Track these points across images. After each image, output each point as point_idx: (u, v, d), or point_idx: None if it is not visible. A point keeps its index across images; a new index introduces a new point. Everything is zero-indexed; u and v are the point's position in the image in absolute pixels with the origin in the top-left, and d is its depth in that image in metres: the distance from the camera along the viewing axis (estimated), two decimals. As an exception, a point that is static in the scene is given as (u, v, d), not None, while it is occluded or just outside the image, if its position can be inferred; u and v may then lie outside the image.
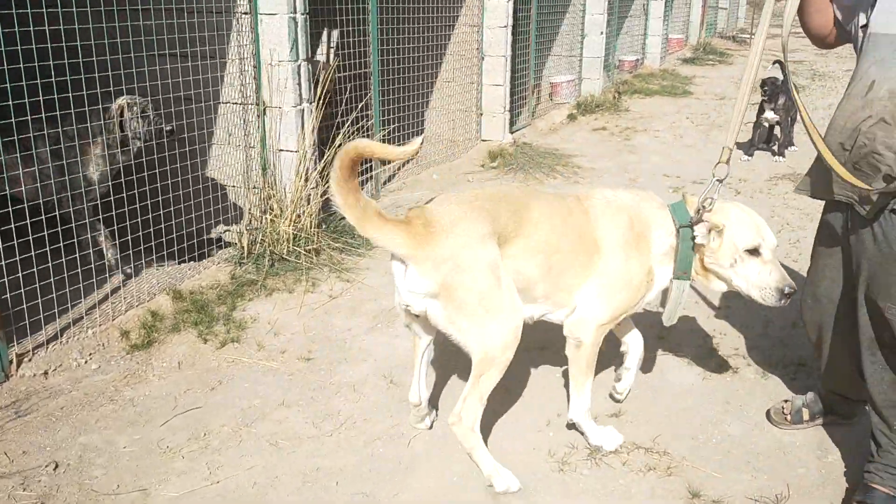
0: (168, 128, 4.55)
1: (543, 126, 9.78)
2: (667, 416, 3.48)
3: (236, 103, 5.08)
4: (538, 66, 10.39)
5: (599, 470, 3.10)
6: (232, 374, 3.79)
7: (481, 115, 8.37)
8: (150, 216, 4.55)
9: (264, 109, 5.05)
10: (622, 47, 15.09)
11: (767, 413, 3.45)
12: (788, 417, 3.36)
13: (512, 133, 8.85)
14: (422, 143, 2.84)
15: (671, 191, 7.08)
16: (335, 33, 6.11)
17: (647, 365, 3.91)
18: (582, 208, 3.03)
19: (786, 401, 3.43)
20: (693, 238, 2.95)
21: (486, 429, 3.33)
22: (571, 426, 3.29)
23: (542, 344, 3.92)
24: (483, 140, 8.44)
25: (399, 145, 2.71)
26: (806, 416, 3.35)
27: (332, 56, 6.15)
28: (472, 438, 2.88)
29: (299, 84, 5.04)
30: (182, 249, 4.75)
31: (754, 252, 2.91)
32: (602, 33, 11.41)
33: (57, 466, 3.05)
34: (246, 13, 4.89)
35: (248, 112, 5.08)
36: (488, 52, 8.15)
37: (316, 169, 5.25)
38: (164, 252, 4.71)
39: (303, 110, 5.10)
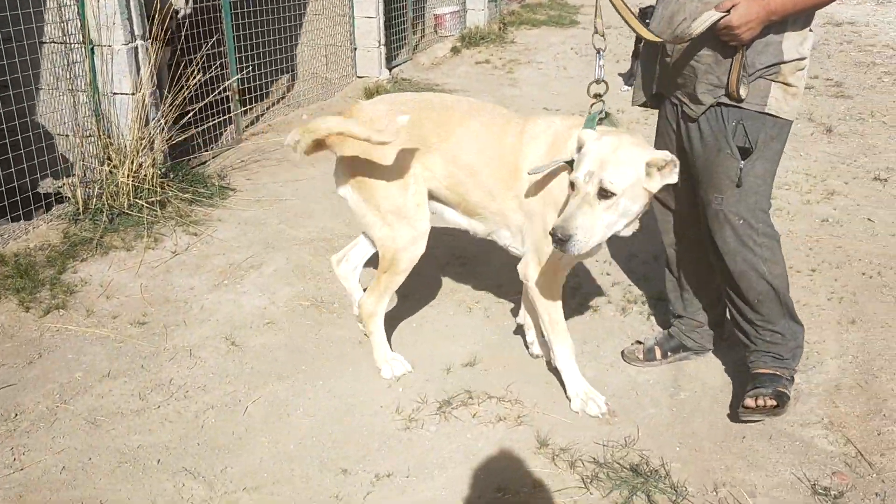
0: None
1: (426, 61, 9.42)
2: (521, 362, 3.35)
3: (59, 42, 4.55)
4: (418, -2, 9.98)
5: (448, 424, 2.94)
6: (55, 345, 3.42)
7: (355, 49, 7.95)
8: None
9: (92, 48, 4.54)
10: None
11: (622, 353, 3.36)
12: (641, 356, 3.29)
13: (391, 69, 8.48)
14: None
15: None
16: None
17: (501, 307, 3.77)
18: (517, 131, 2.96)
19: (638, 342, 3.35)
20: None
21: (336, 386, 3.13)
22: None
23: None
24: (359, 77, 8.04)
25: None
26: (658, 355, 3.29)
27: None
28: (372, 324, 3.21)
29: (129, 18, 4.55)
30: (4, 207, 4.27)
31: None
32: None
33: None
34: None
35: (74, 52, 4.56)
36: (359, -18, 7.70)
37: (160, 113, 4.80)
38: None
39: (136, 48, 4.63)
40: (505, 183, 2.95)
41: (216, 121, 5.63)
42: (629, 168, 2.49)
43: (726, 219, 2.82)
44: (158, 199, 4.61)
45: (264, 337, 3.51)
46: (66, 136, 4.74)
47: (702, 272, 3.21)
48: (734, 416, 2.97)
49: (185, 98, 4.93)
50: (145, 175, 4.61)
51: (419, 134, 2.98)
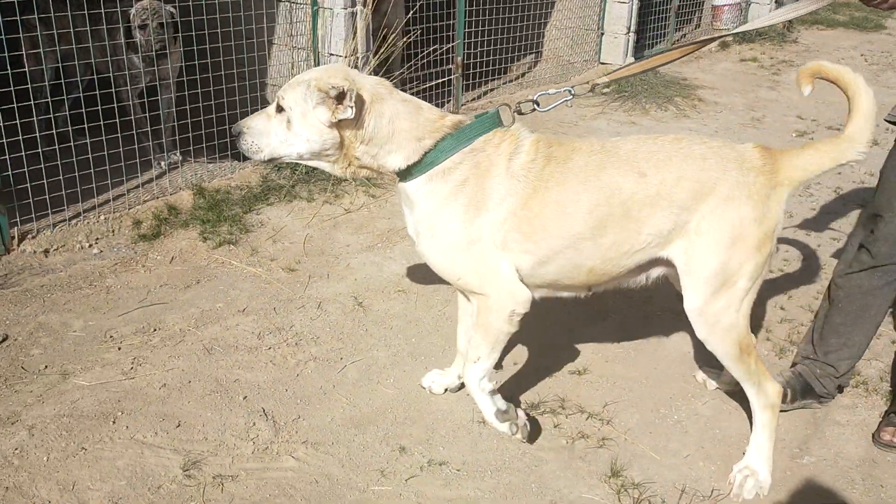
0: (156, 24, 4.46)
1: (685, 53, 8.85)
2: (637, 381, 3.05)
3: (291, 1, 4.93)
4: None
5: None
6: (214, 275, 3.76)
7: (602, 34, 7.69)
8: (194, 107, 4.55)
9: (316, 10, 4.86)
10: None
11: None
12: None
13: (640, 58, 8.08)
14: None
15: (794, 135, 6.19)
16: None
17: (637, 316, 3.44)
18: None
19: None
20: None
21: (434, 364, 3.09)
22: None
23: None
24: (602, 63, 7.78)
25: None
26: (788, 398, 2.83)
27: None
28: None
29: (349, -14, 4.79)
30: (220, 146, 4.74)
31: None
32: (778, -49, 10.06)
33: (5, 339, 3.16)
34: None
35: (296, 12, 4.91)
36: (614, -35, 7.41)
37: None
38: (203, 146, 4.71)
39: (353, 13, 4.86)
40: None
41: (433, 91, 5.76)
42: (301, 86, 2.31)
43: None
44: (352, 158, 4.83)
45: (390, 303, 3.55)
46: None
47: (869, 323, 2.74)
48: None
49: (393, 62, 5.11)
50: (344, 134, 4.85)
51: None
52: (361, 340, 3.28)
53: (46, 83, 4.45)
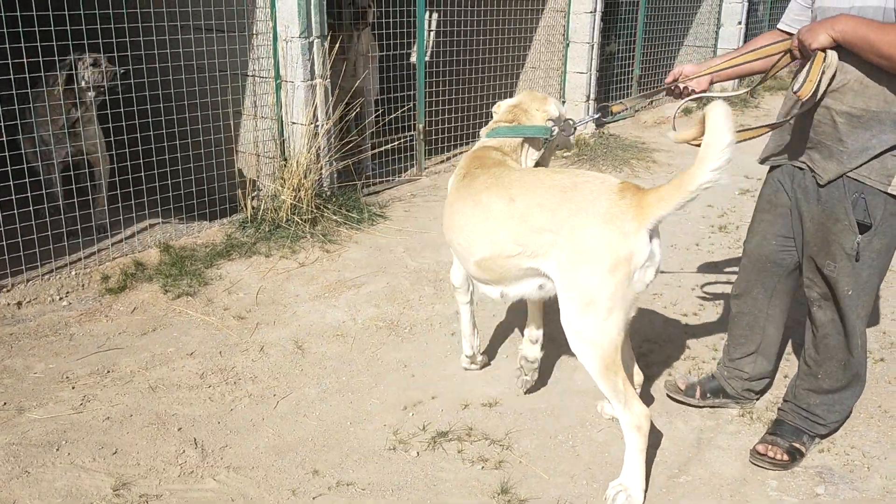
0: (120, 70, 4.71)
1: (649, 119, 9.31)
2: (542, 412, 3.33)
3: (252, 76, 5.38)
4: (658, 57, 9.89)
5: (431, 454, 3.03)
6: (170, 323, 4.09)
7: (564, 102, 8.15)
8: (155, 172, 4.95)
9: (279, 84, 5.31)
10: (788, 40, 13.93)
11: (665, 383, 3.51)
12: (683, 387, 3.40)
13: (602, 124, 8.55)
14: None
15: (738, 192, 6.55)
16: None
17: (554, 355, 3.73)
18: None
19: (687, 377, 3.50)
20: None
21: (360, 399, 3.37)
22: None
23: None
24: (565, 129, 8.21)
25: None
26: (697, 394, 3.36)
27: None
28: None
29: (310, 60, 5.24)
30: (189, 206, 5.13)
31: None
32: (740, 23, 10.63)
33: (-29, 381, 3.48)
34: (266, -9, 5.16)
35: (262, 85, 5.36)
36: (573, 39, 7.92)
37: (324, 143, 5.44)
38: (171, 207, 5.10)
39: (313, 85, 5.31)
40: None
41: (398, 155, 6.19)
42: None
43: (836, 285, 2.81)
44: (311, 217, 5.22)
45: (328, 346, 3.86)
46: (248, 154, 5.56)
47: (758, 335, 3.25)
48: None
49: (342, 130, 5.55)
50: (304, 196, 5.25)
51: None
52: (296, 379, 3.58)
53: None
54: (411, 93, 6.56)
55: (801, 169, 2.88)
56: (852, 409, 3.17)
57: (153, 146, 4.88)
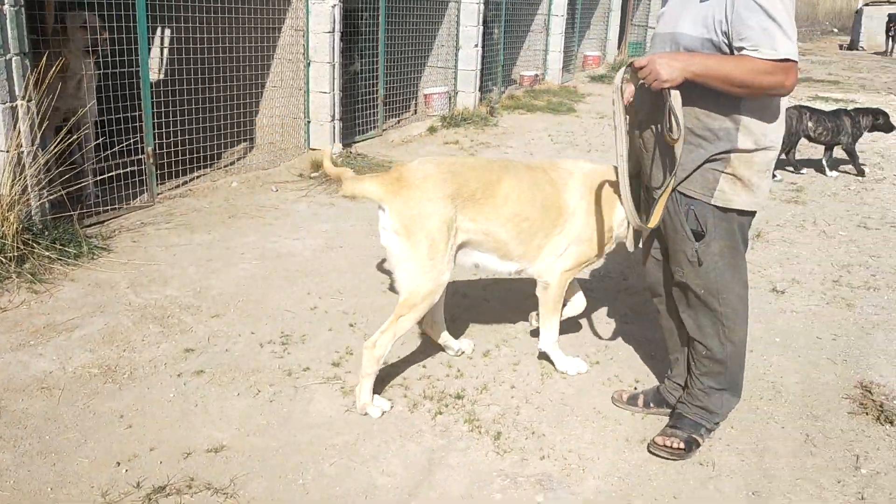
0: None
1: (396, 138, 9.50)
2: (273, 451, 3.17)
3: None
4: (402, 77, 10.13)
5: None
6: None
7: (308, 122, 8.06)
8: None
9: (-29, 104, 4.68)
10: (524, 62, 14.94)
11: (612, 395, 3.67)
12: (625, 399, 3.58)
13: (350, 144, 8.57)
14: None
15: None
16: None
17: (288, 386, 3.60)
18: (549, 178, 3.59)
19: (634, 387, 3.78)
20: None
21: (65, 460, 3.00)
22: (542, 355, 3.90)
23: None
24: (312, 149, 8.13)
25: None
26: (640, 402, 3.54)
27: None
28: (373, 367, 3.40)
29: (9, 80, 4.68)
30: None
31: None
32: (476, 46, 11.18)
33: None
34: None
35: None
36: (314, 58, 7.85)
37: (32, 171, 4.89)
38: None
39: (14, 107, 4.75)
40: (552, 223, 3.55)
41: (126, 181, 5.72)
42: None
43: (688, 287, 3.06)
44: (18, 255, 4.65)
45: (30, 402, 3.42)
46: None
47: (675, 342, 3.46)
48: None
49: (60, 155, 5.04)
50: (8, 231, 4.66)
51: (467, 189, 3.39)
52: (-12, 443, 3.12)
53: None
54: (139, 113, 6.11)
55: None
56: (740, 396, 3.33)
57: None
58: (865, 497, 3.01)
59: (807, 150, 8.96)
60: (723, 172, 2.84)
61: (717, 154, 2.82)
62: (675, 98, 2.73)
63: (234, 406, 3.50)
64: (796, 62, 2.64)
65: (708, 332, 3.11)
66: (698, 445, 3.22)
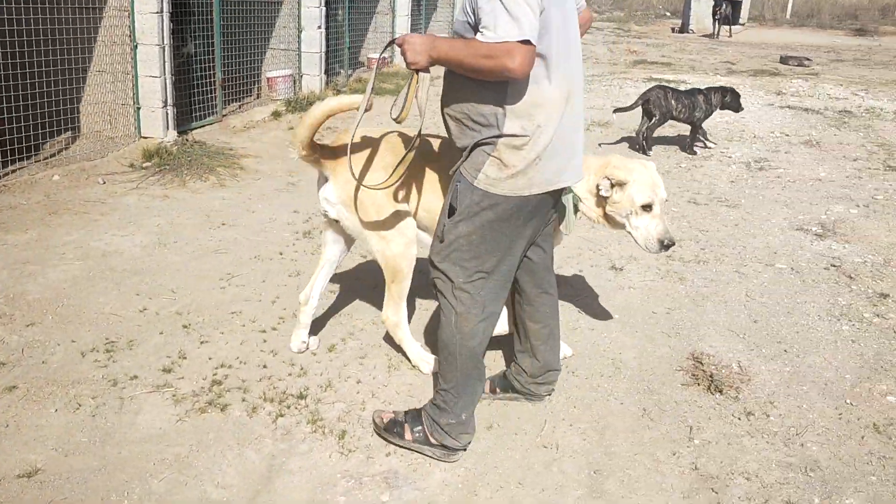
0: None
1: (238, 123, 9.08)
2: (94, 471, 2.90)
3: None
4: (242, 59, 9.69)
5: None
6: None
7: (138, 109, 7.55)
8: None
9: None
10: (372, 45, 14.74)
11: None
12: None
13: (186, 131, 8.11)
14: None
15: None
16: None
17: (112, 401, 3.33)
18: None
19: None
20: (598, 191, 3.42)
21: None
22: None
23: None
24: (144, 137, 7.62)
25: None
26: (487, 388, 3.49)
27: None
28: (399, 332, 3.64)
29: None
30: None
31: (647, 207, 3.38)
32: (320, 28, 10.88)
33: None
34: None
35: None
36: (141, 40, 7.34)
37: None
38: None
39: None
40: None
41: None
42: None
43: (433, 265, 2.99)
44: None
45: None
46: None
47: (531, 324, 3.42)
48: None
49: None
50: None
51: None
52: None
53: None
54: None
55: None
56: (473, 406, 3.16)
57: None
58: (699, 467, 3.13)
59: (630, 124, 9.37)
60: (490, 156, 2.75)
61: (487, 138, 2.74)
62: (423, 81, 2.70)
63: (52, 423, 3.19)
64: (526, 44, 2.45)
65: (441, 320, 3.01)
66: (399, 438, 3.15)
